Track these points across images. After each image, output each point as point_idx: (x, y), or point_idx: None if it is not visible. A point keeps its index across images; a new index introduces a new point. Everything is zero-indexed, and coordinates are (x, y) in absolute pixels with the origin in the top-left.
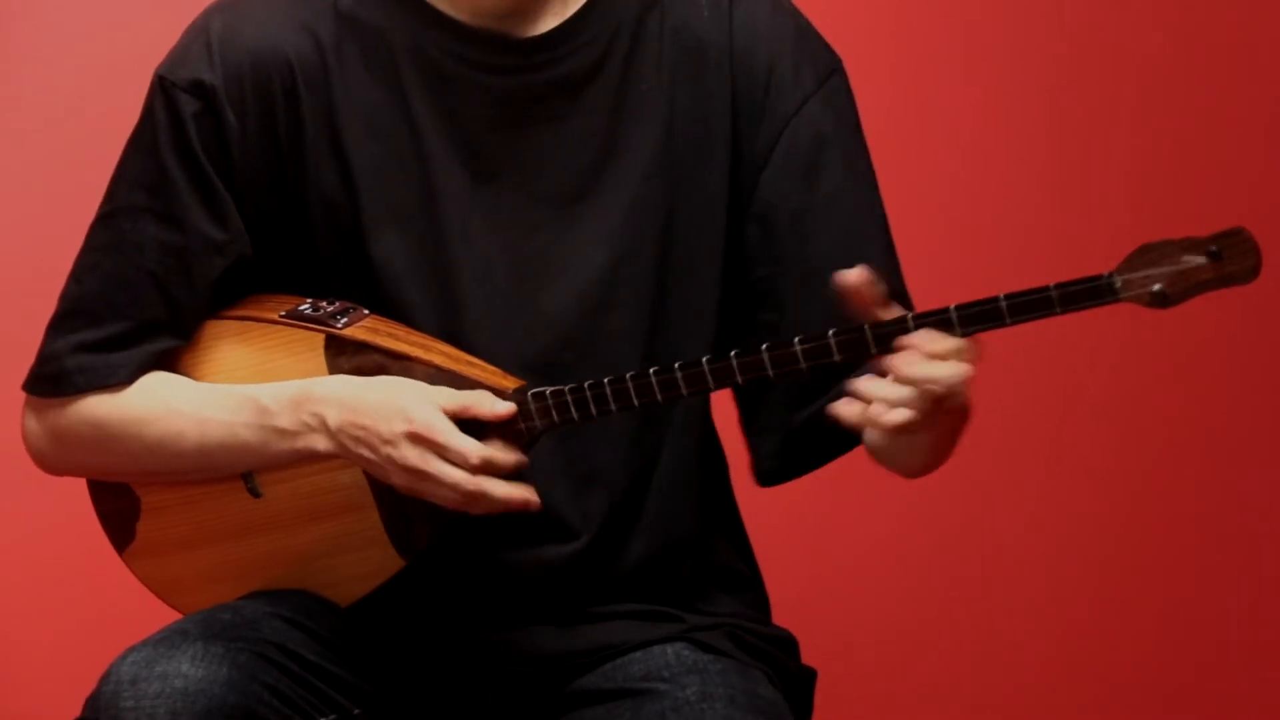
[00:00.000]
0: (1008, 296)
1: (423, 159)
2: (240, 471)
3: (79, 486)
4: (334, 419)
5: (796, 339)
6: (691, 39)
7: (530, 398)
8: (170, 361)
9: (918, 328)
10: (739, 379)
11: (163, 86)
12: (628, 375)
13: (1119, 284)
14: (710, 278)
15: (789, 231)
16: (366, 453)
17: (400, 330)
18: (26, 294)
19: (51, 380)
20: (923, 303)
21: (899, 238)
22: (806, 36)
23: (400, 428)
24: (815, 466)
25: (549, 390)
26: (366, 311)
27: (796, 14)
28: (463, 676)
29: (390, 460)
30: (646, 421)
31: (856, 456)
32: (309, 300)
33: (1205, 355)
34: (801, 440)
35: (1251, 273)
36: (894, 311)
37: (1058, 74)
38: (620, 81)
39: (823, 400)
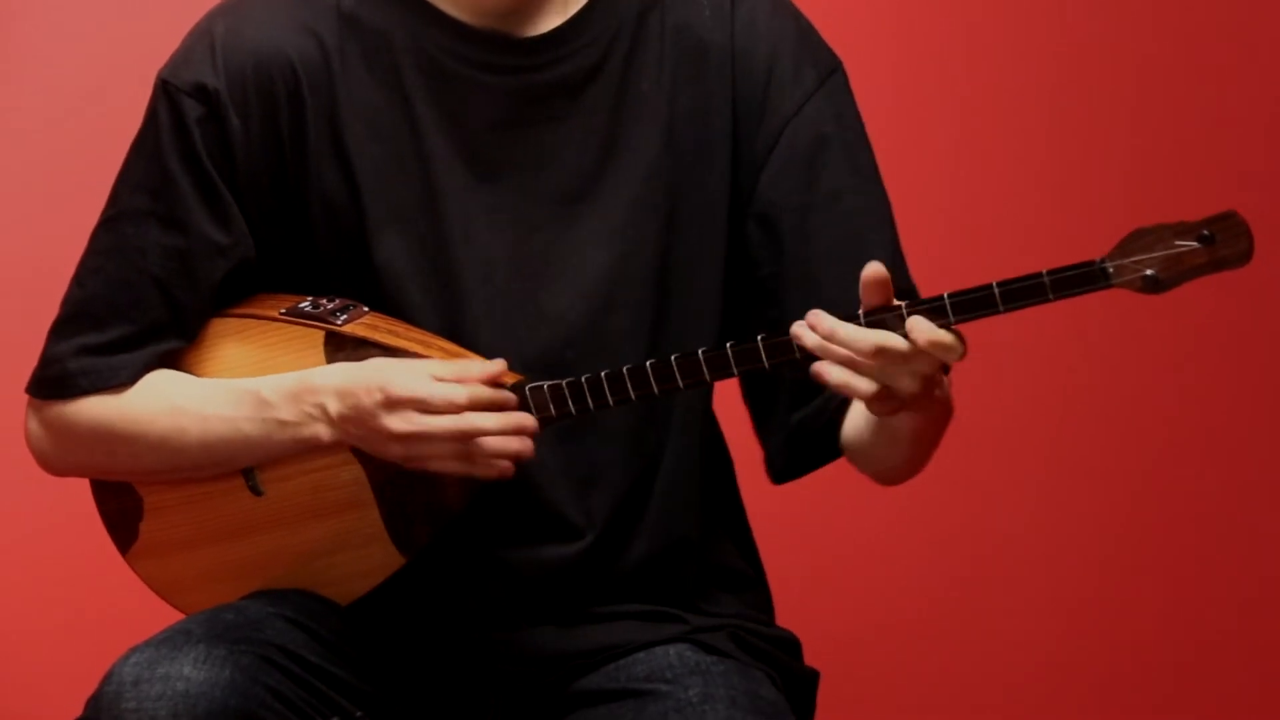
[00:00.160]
0: (1000, 283)
1: (424, 159)
2: (244, 466)
3: (81, 487)
4: (334, 407)
5: (791, 326)
6: (692, 39)
7: (529, 392)
8: (172, 361)
9: (911, 315)
10: (734, 369)
11: (166, 90)
12: (624, 368)
13: (1111, 269)
14: (712, 277)
15: (791, 230)
16: (361, 432)
17: (400, 327)
18: (28, 295)
19: (54, 383)
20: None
21: (899, 235)
22: (807, 37)
23: (378, 397)
24: (822, 463)
25: (547, 384)
26: (366, 309)
27: (797, 14)
28: (465, 677)
29: (379, 433)
30: (648, 421)
31: None
32: (309, 298)
33: (1204, 353)
34: (805, 437)
35: (1244, 256)
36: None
37: (1057, 73)
38: (621, 81)
39: (824, 397)
